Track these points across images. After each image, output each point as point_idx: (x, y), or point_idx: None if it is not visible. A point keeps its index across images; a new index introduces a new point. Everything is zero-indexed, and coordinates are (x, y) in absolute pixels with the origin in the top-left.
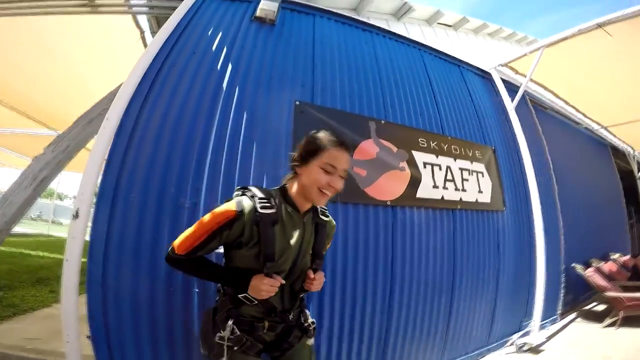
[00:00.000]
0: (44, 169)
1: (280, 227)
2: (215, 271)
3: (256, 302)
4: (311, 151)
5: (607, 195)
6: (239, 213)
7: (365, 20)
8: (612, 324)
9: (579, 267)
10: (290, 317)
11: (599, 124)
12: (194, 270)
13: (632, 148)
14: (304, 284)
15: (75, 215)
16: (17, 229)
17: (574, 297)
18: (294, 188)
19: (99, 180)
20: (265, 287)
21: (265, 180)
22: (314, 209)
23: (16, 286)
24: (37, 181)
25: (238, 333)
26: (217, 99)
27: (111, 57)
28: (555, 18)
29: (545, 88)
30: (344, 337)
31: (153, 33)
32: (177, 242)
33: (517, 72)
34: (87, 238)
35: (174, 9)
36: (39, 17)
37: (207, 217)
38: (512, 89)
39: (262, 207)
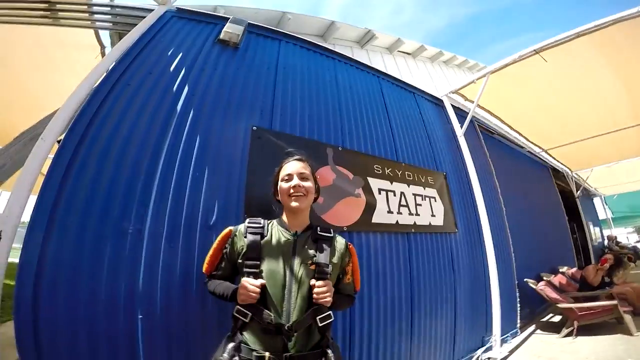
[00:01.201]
0: None
1: (268, 241)
2: (225, 288)
3: (249, 314)
4: (274, 179)
5: (551, 214)
6: (234, 230)
7: (330, 47)
8: (569, 334)
9: (531, 282)
10: (289, 326)
11: (539, 147)
12: (214, 290)
13: (569, 169)
14: (313, 297)
15: None
16: None
17: (531, 310)
18: (284, 212)
19: (32, 201)
20: (243, 284)
21: (216, 207)
22: (314, 228)
23: None
24: None
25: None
26: (169, 122)
27: (67, 71)
28: (504, 46)
29: (492, 114)
30: None
31: None
32: (204, 266)
33: (466, 99)
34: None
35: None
36: None
37: (215, 242)
38: (461, 114)
39: (249, 224)
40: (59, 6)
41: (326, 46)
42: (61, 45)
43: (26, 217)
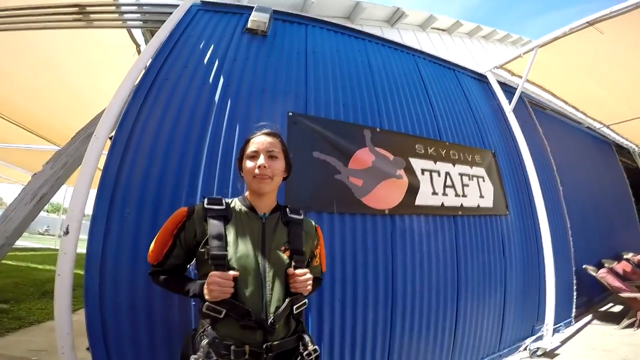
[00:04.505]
0: (44, 186)
1: (233, 225)
2: (185, 282)
3: (223, 310)
4: (241, 152)
5: (614, 194)
6: (189, 211)
7: (358, 28)
8: (630, 325)
9: (590, 269)
10: (271, 321)
11: (600, 122)
12: (169, 284)
13: (637, 145)
14: (290, 285)
15: (66, 232)
16: (25, 243)
17: (588, 299)
18: (248, 192)
19: (93, 196)
20: (212, 279)
21: None
22: (282, 209)
23: (22, 299)
24: (37, 198)
25: (214, 357)
26: (209, 113)
27: (110, 71)
28: (550, 18)
29: (543, 88)
30: (345, 352)
31: None
32: (148, 254)
33: (513, 74)
34: (82, 250)
35: None
36: (35, 32)
37: (165, 224)
38: (509, 90)
39: (209, 204)
40: (88, 9)
41: (354, 27)
42: (99, 47)
43: (89, 210)
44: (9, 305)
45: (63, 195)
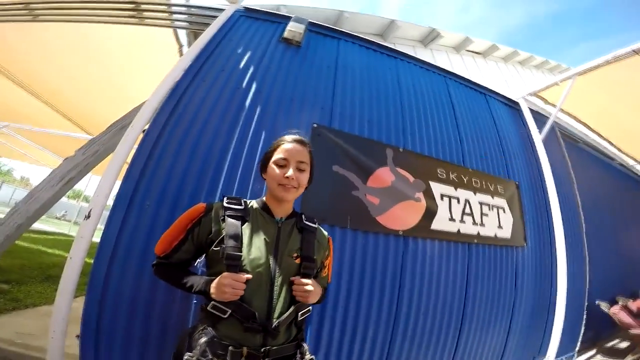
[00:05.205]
0: (72, 170)
1: (250, 227)
2: (189, 277)
3: (229, 311)
4: (267, 155)
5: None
6: (208, 208)
7: (391, 45)
8: None
9: (603, 305)
10: (275, 325)
11: (634, 159)
12: (172, 277)
13: None
14: (294, 293)
15: (88, 216)
16: (40, 225)
17: (595, 334)
18: (267, 196)
19: (117, 185)
20: (226, 280)
21: None
22: (298, 216)
23: (25, 281)
24: (64, 181)
25: (210, 356)
26: (239, 117)
27: (151, 67)
28: (593, 45)
29: (577, 119)
30: None
31: None
32: (157, 244)
33: (546, 102)
34: (95, 239)
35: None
36: (90, 25)
37: (180, 217)
38: (541, 119)
39: (228, 203)
40: (143, 6)
41: (386, 45)
42: (145, 43)
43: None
44: (9, 286)
45: (86, 184)
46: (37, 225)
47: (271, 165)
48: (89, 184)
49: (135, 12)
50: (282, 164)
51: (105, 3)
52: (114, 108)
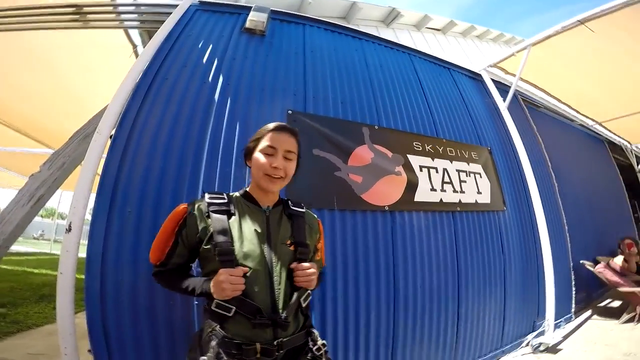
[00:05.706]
0: (41, 187)
1: (237, 220)
2: (190, 281)
3: (233, 308)
4: (253, 142)
5: (609, 191)
6: (190, 208)
7: (354, 27)
8: (630, 320)
9: (587, 264)
10: (284, 316)
11: (593, 119)
12: (173, 284)
13: (629, 142)
14: (294, 279)
15: (68, 229)
16: (20, 247)
17: (587, 295)
18: (251, 185)
19: (93, 194)
20: (224, 277)
21: None
22: (284, 203)
23: (19, 303)
24: (34, 199)
25: (225, 357)
26: (209, 112)
27: (106, 72)
28: (543, 18)
29: (536, 87)
30: (349, 346)
31: None
32: (150, 254)
33: (507, 72)
34: (82, 254)
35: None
36: (30, 32)
37: (165, 222)
38: (503, 89)
39: (210, 199)
40: (85, 9)
41: (351, 27)
42: (95, 48)
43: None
44: (5, 310)
45: (58, 200)
46: (15, 248)
47: (257, 153)
48: (60, 200)
49: (77, 15)
50: (270, 152)
51: (43, 8)
52: (73, 117)
